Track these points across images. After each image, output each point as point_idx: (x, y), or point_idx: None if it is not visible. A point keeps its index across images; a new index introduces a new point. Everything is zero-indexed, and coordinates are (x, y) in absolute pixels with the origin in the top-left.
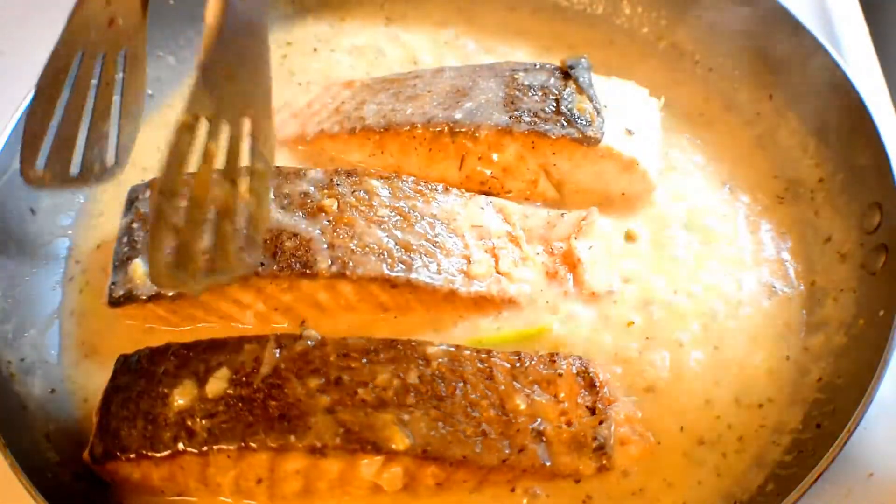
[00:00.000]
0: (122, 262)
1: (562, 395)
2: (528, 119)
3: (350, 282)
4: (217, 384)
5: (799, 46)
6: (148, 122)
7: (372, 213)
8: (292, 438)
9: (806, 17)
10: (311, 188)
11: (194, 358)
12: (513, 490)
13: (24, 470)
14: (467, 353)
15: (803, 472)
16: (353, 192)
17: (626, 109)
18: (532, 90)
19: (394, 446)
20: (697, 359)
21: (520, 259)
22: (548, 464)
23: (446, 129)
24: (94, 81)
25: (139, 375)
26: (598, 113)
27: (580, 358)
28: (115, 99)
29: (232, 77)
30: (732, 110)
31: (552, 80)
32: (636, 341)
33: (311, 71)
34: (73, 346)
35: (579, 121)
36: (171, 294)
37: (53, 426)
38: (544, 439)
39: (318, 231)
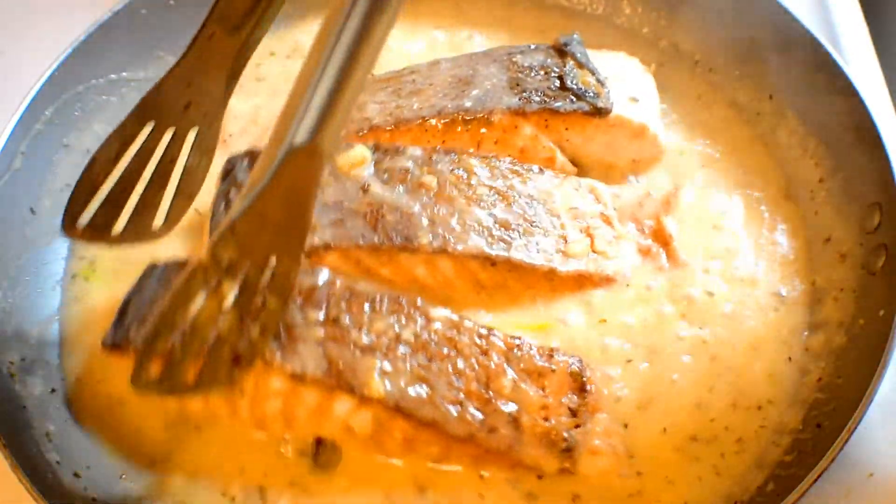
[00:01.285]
0: (216, 228)
1: (548, 390)
2: (537, 98)
3: (450, 258)
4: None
5: (799, 46)
6: None
7: (471, 192)
8: (277, 358)
9: (806, 17)
10: (411, 164)
11: None
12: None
13: (23, 470)
14: (469, 324)
15: (803, 473)
16: (452, 170)
17: (625, 78)
18: (533, 70)
19: (367, 392)
20: (697, 363)
21: (614, 238)
22: (512, 452)
23: (459, 118)
24: (158, 153)
25: (159, 283)
26: (603, 84)
27: (580, 360)
28: (177, 174)
29: (271, 220)
30: (732, 110)
31: (549, 59)
32: (633, 341)
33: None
34: (73, 346)
35: (587, 94)
36: None
37: (53, 426)
38: (517, 427)
39: (418, 207)
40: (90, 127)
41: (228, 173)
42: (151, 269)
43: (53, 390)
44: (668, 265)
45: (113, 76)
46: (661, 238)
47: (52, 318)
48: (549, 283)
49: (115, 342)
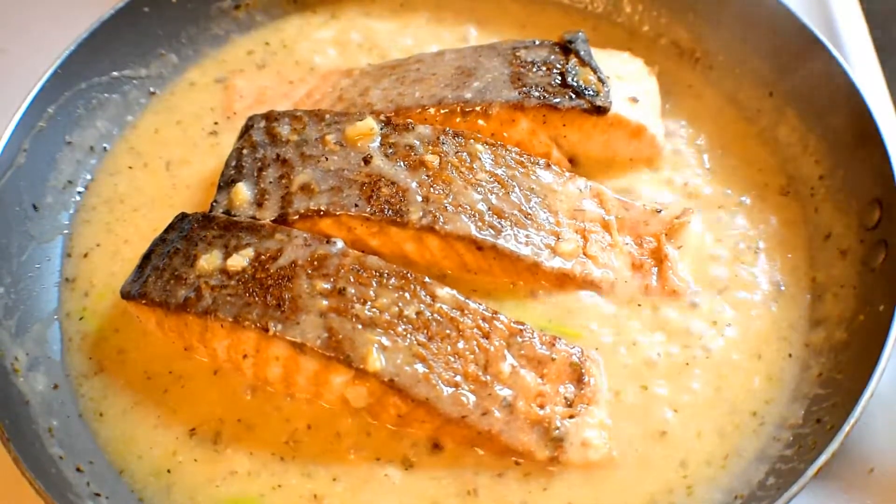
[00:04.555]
0: (226, 184)
1: (546, 378)
2: (537, 94)
3: (438, 237)
4: (238, 260)
5: (799, 44)
6: (148, 110)
7: (471, 176)
8: (279, 327)
9: (806, 15)
10: (417, 142)
11: (233, 233)
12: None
13: (27, 465)
14: (473, 306)
15: (804, 467)
16: (457, 152)
17: (627, 78)
18: (536, 66)
19: (363, 366)
20: (698, 376)
21: (608, 245)
22: (503, 436)
23: (458, 108)
24: None
25: (183, 235)
26: (604, 83)
27: (581, 351)
28: None
29: None
30: (732, 107)
31: (553, 55)
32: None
33: (299, 68)
34: (75, 342)
35: (587, 92)
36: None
37: (56, 422)
38: (511, 412)
39: (415, 183)
40: (93, 124)
41: (246, 131)
42: (179, 220)
43: (56, 386)
44: (657, 286)
45: (115, 74)
46: (657, 256)
47: (54, 315)
48: (533, 276)
49: (132, 292)
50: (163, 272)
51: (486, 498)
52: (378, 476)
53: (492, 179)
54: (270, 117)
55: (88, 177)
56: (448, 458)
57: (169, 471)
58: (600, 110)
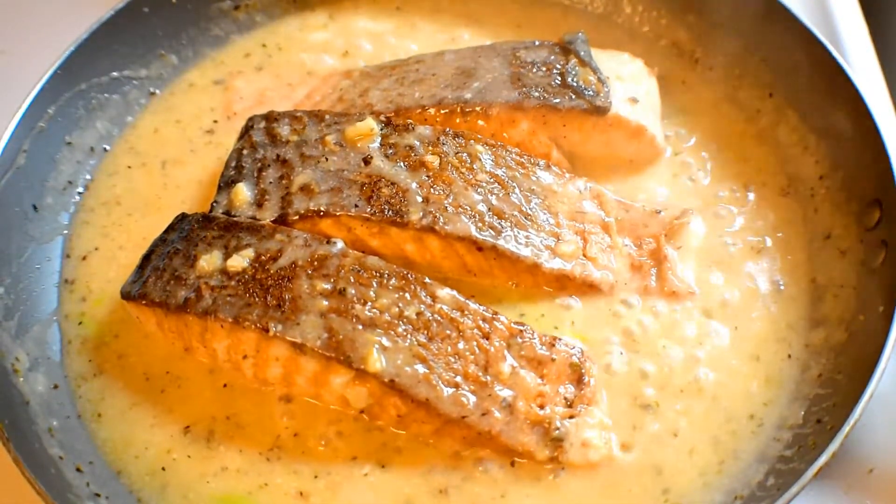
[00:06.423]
0: (226, 184)
1: (546, 378)
2: (537, 94)
3: (438, 237)
4: (238, 261)
5: (799, 45)
6: (148, 110)
7: (471, 176)
8: (279, 328)
9: (806, 14)
10: (417, 143)
11: (233, 233)
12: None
13: (26, 464)
14: (473, 307)
15: (804, 467)
16: (457, 153)
17: (627, 79)
18: (536, 66)
19: (363, 367)
20: (695, 380)
21: (608, 247)
22: (503, 437)
23: (458, 109)
24: None
25: (183, 236)
26: (604, 83)
27: (582, 351)
28: None
29: None
30: (732, 108)
31: (553, 56)
32: (637, 352)
33: (297, 69)
34: (74, 344)
35: (587, 92)
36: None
37: (56, 422)
38: (511, 412)
39: (415, 184)
40: (92, 125)
41: (246, 132)
42: (179, 221)
43: (56, 386)
44: (656, 287)
45: (115, 74)
46: (656, 257)
47: (54, 315)
48: (533, 277)
49: (132, 293)
50: (163, 272)
51: (456, 498)
52: (357, 474)
53: (492, 180)
54: (270, 118)
55: (88, 177)
56: (421, 459)
57: (163, 468)
58: (600, 111)
